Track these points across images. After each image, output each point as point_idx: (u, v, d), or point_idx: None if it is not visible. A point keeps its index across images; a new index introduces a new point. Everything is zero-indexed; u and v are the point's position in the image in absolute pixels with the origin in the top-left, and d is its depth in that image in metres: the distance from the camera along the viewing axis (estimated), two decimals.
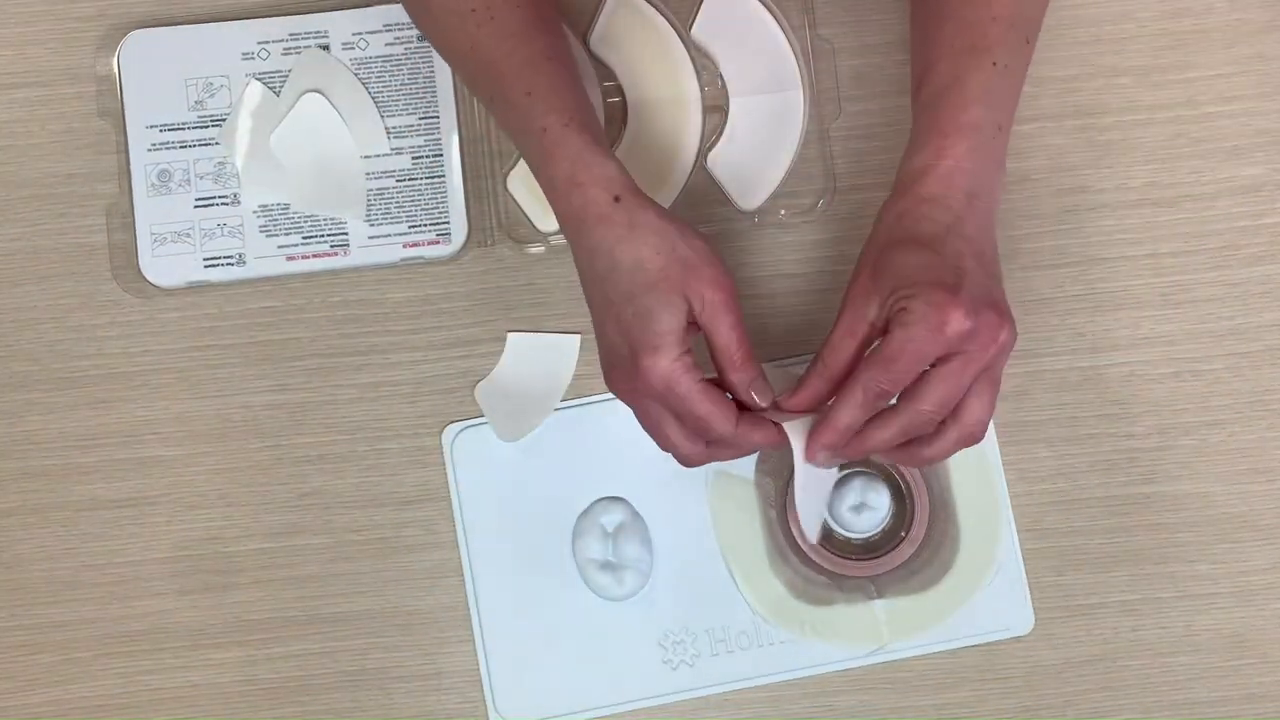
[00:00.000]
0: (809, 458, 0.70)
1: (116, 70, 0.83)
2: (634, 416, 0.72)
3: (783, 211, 0.84)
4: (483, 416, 0.83)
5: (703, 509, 0.82)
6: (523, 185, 0.83)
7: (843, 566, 0.82)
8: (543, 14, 0.74)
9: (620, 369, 0.70)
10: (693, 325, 0.69)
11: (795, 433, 0.70)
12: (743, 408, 0.70)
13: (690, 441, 0.71)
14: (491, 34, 0.73)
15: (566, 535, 0.83)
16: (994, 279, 0.69)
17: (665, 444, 0.72)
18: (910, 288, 0.67)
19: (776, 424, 0.70)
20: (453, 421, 0.83)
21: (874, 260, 0.70)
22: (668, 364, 0.68)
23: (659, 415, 0.71)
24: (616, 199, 0.69)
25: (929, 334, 0.66)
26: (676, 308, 0.68)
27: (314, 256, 0.83)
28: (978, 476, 0.83)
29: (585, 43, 0.83)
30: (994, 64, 0.72)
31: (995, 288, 0.69)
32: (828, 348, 0.70)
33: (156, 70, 0.83)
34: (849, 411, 0.68)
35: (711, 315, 0.69)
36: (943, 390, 0.68)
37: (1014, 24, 0.73)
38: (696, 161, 0.83)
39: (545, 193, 0.72)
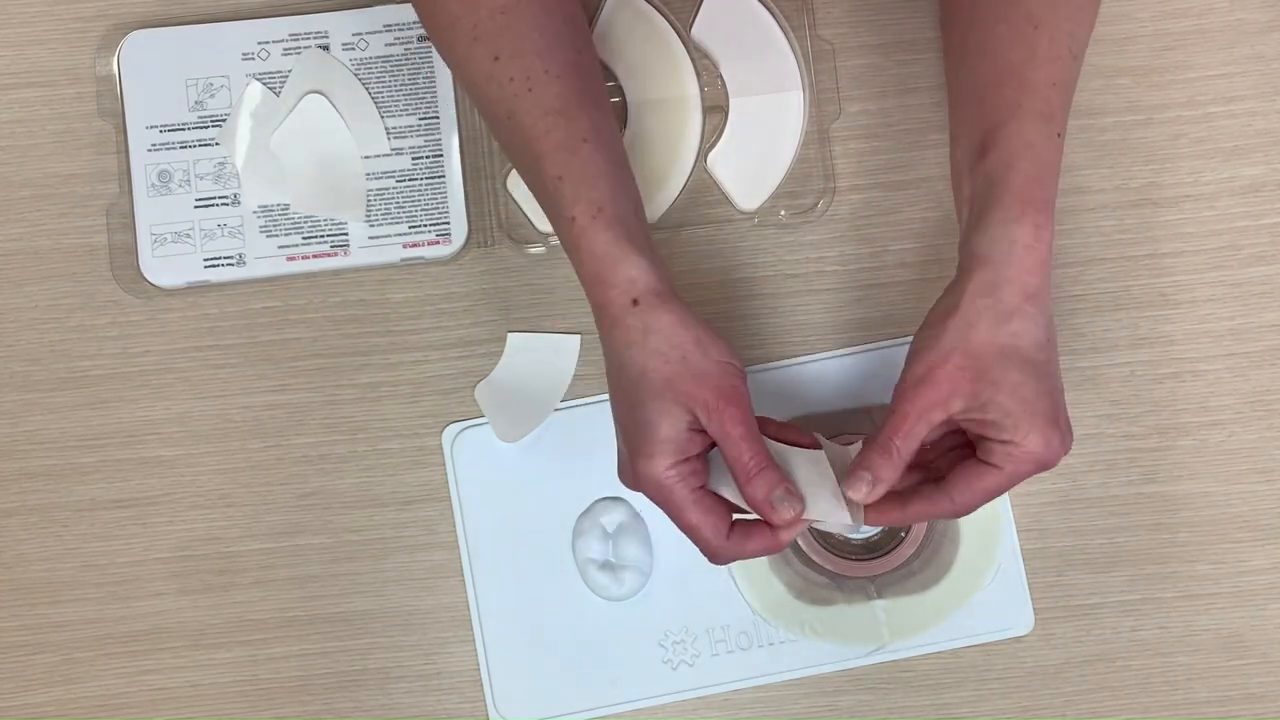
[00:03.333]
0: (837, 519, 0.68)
1: (117, 70, 0.83)
2: None
3: (783, 211, 0.84)
4: (483, 416, 0.83)
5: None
6: (523, 186, 0.83)
7: (843, 566, 0.82)
8: (587, 85, 0.71)
9: (623, 466, 0.71)
10: (702, 434, 0.68)
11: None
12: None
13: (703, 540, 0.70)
14: (529, 108, 0.70)
15: (566, 535, 0.83)
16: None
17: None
18: (1017, 420, 0.66)
19: (771, 533, 0.68)
20: (453, 421, 0.83)
21: (975, 359, 0.67)
22: (659, 472, 0.67)
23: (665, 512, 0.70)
24: (635, 302, 0.68)
25: (1022, 474, 0.67)
26: (676, 418, 0.67)
27: (314, 257, 0.83)
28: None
29: None
30: (1058, 135, 0.70)
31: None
32: (901, 435, 0.67)
33: (157, 70, 0.83)
34: (903, 518, 0.70)
35: (719, 427, 0.67)
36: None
37: (1068, 92, 0.71)
38: (696, 161, 0.83)
39: (579, 278, 0.70)
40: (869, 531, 0.82)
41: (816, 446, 0.71)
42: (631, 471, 0.69)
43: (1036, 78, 0.70)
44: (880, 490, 0.68)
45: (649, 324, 0.67)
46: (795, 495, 0.68)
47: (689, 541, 0.69)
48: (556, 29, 0.71)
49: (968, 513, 0.69)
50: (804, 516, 0.68)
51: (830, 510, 0.68)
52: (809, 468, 0.69)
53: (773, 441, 0.70)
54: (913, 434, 0.67)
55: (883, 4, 0.85)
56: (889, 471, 0.67)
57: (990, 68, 0.71)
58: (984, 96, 0.71)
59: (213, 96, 0.83)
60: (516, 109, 0.70)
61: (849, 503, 0.68)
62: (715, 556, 0.69)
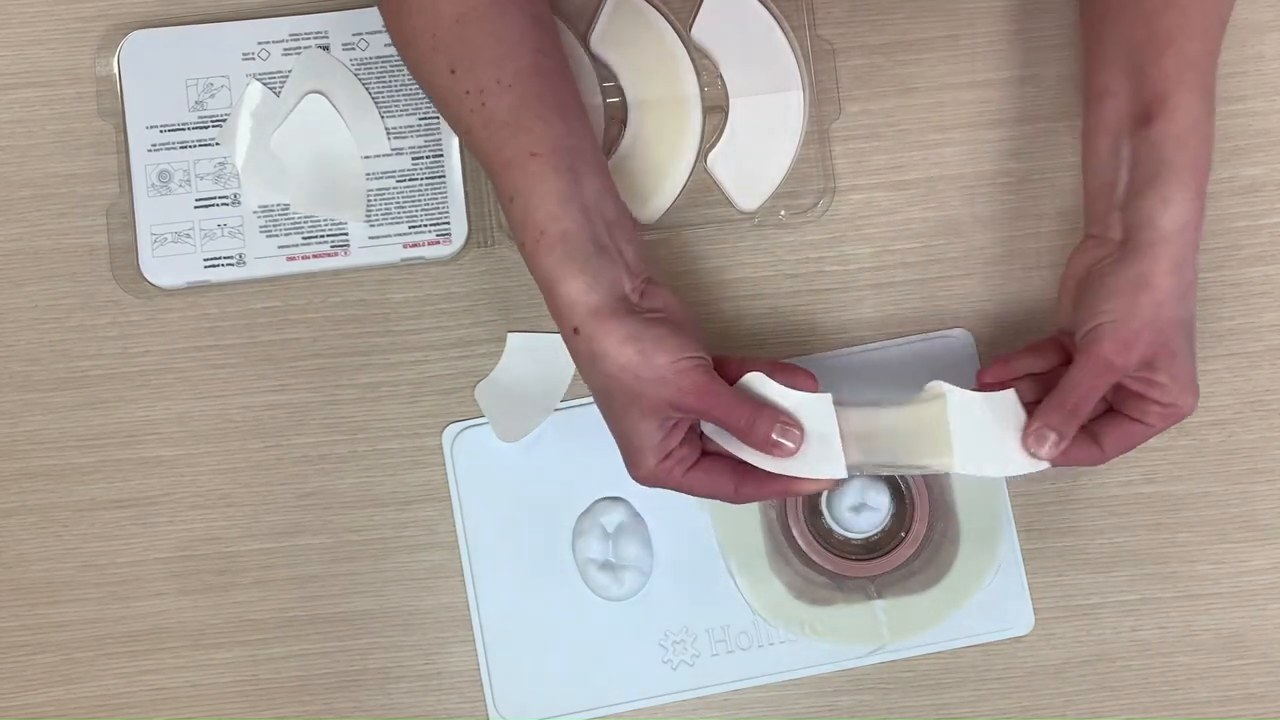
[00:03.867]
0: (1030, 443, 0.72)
1: (117, 70, 0.83)
2: None
3: (783, 211, 0.84)
4: (483, 416, 0.83)
5: (703, 509, 0.82)
6: None
7: (843, 566, 0.82)
8: (546, 87, 0.71)
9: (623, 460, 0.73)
10: (679, 423, 0.70)
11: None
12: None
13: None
14: (484, 123, 0.70)
15: (566, 535, 0.83)
16: None
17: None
18: (1182, 386, 0.72)
19: (782, 479, 0.71)
20: (453, 421, 0.83)
21: (1161, 333, 0.70)
22: (650, 471, 0.71)
23: None
24: (576, 330, 0.69)
25: (1165, 429, 0.73)
26: (645, 425, 0.70)
27: (314, 257, 0.83)
28: (978, 477, 0.83)
29: (585, 43, 0.83)
30: (1213, 113, 0.72)
31: None
32: (1089, 402, 0.71)
33: (157, 70, 0.83)
34: (1053, 461, 0.72)
35: (701, 412, 0.70)
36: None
37: (1216, 65, 0.73)
38: (696, 161, 0.83)
39: None
40: (868, 530, 0.82)
41: (815, 389, 0.72)
42: (630, 471, 0.72)
43: (1197, 50, 0.72)
44: (1062, 447, 0.71)
45: (593, 350, 0.69)
46: (794, 425, 0.70)
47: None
48: (515, 30, 0.71)
49: (1105, 462, 0.74)
50: (794, 469, 0.70)
51: (822, 458, 0.70)
52: (810, 415, 0.71)
53: (780, 387, 0.71)
54: (1093, 396, 0.71)
55: (883, 4, 0.85)
56: (1072, 430, 0.71)
57: (1146, 32, 0.72)
58: (1145, 62, 0.72)
59: (213, 96, 0.83)
60: (473, 125, 0.71)
61: (833, 455, 0.70)
62: (739, 503, 0.73)
